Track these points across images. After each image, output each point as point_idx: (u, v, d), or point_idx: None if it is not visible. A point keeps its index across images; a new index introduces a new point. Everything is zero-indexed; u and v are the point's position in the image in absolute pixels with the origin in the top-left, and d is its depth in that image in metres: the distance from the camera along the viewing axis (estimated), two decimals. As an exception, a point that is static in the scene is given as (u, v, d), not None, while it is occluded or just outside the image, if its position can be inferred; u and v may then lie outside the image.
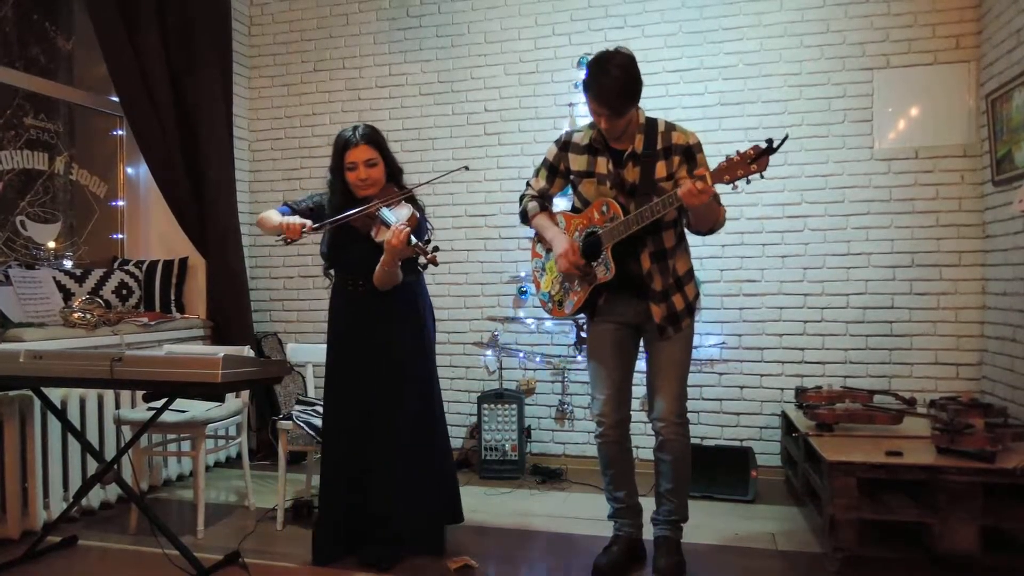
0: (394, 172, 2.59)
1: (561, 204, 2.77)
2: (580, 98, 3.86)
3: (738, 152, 2.11)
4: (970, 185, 3.41)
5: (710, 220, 2.33)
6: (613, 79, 2.20)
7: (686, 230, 2.45)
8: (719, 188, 2.18)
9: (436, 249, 2.33)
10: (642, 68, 4.08)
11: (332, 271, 2.69)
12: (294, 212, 2.56)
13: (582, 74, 3.77)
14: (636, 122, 2.34)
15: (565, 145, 2.49)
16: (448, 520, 2.73)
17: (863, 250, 3.54)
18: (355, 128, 2.49)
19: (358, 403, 2.57)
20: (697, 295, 2.49)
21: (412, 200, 2.58)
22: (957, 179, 3.43)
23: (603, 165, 2.39)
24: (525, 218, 2.61)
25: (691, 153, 2.33)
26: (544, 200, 2.59)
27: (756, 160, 2.08)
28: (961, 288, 3.43)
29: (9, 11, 3.59)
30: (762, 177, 2.12)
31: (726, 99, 3.70)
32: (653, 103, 3.71)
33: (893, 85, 3.50)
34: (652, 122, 2.36)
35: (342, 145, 2.48)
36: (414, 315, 2.64)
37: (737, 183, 2.12)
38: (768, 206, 3.63)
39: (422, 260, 2.36)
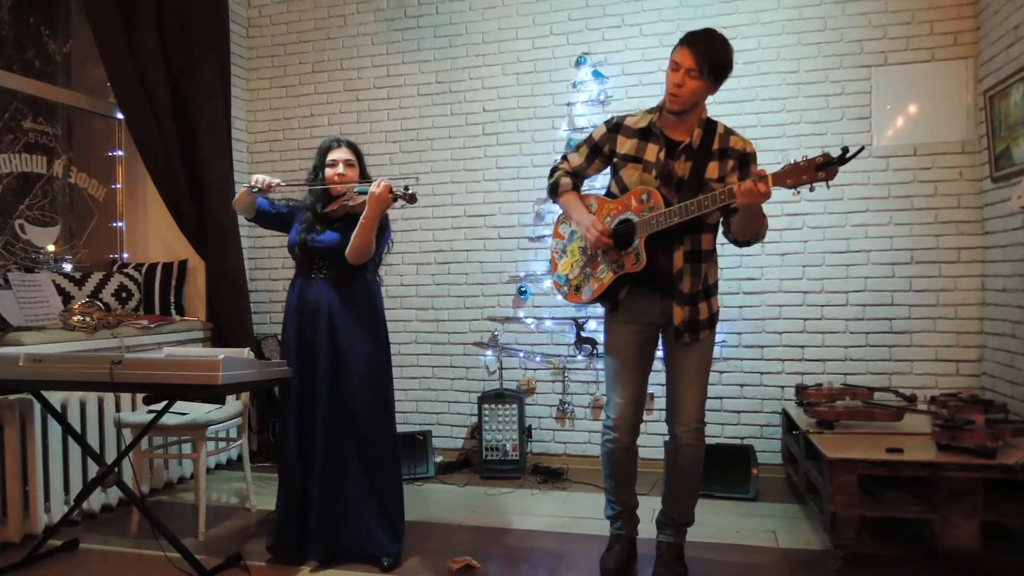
0: (366, 180, 2.74)
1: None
2: (579, 97, 3.88)
3: (805, 157, 2.01)
4: (969, 181, 3.41)
5: (753, 229, 2.23)
6: (720, 41, 2.17)
7: (723, 237, 2.36)
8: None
9: (407, 188, 2.47)
10: (640, 67, 4.08)
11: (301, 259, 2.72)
12: (270, 210, 2.76)
13: (580, 74, 3.84)
14: (699, 115, 2.28)
15: (616, 127, 2.38)
16: (388, 535, 2.63)
17: (862, 247, 3.54)
18: (337, 137, 2.77)
19: (306, 395, 2.61)
20: (719, 309, 2.42)
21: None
22: (956, 176, 3.43)
23: (653, 153, 2.29)
24: (554, 191, 2.49)
25: (746, 160, 2.25)
26: (576, 179, 2.49)
27: (825, 168, 1.94)
28: (960, 285, 3.43)
29: (6, 14, 3.59)
30: (828, 187, 2.00)
31: (724, 97, 3.68)
32: (653, 102, 3.67)
33: (891, 82, 3.50)
34: (712, 122, 2.30)
35: (326, 146, 2.74)
36: (368, 308, 2.67)
37: (799, 189, 2.01)
38: (767, 204, 3.62)
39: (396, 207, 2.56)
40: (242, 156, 4.40)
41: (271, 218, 2.76)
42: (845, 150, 1.95)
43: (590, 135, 2.46)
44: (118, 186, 4.16)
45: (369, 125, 4.23)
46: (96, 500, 3.15)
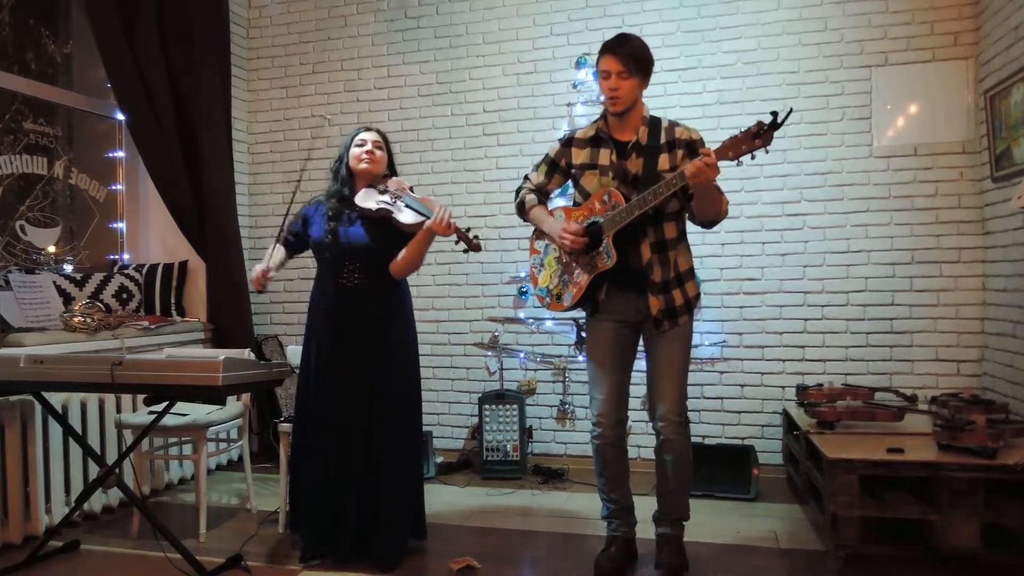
0: (393, 171, 2.72)
1: (558, 203, 2.77)
2: (579, 98, 3.88)
3: (740, 130, 2.11)
4: (969, 182, 3.41)
5: (713, 208, 2.31)
6: (636, 40, 2.34)
7: (689, 223, 2.45)
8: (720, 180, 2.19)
9: (476, 237, 2.47)
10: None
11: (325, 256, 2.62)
12: (290, 239, 2.71)
13: (580, 74, 3.84)
14: (640, 114, 2.39)
15: (568, 141, 2.52)
16: (409, 533, 2.67)
17: (863, 247, 3.54)
18: (369, 125, 2.73)
19: (338, 401, 2.56)
20: (698, 295, 2.47)
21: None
22: (956, 176, 3.43)
23: (606, 157, 2.40)
24: (522, 210, 2.61)
25: (694, 148, 2.32)
26: (540, 195, 2.60)
27: (760, 135, 2.07)
28: (961, 285, 3.43)
29: (6, 15, 3.59)
30: (766, 152, 2.11)
31: (724, 98, 3.70)
32: (652, 102, 3.65)
33: (892, 82, 3.50)
34: (656, 119, 2.40)
35: (355, 131, 2.67)
36: (404, 312, 2.65)
37: (741, 159, 2.12)
38: (767, 204, 3.63)
39: (462, 246, 2.49)
40: (243, 157, 4.40)
41: (296, 245, 2.72)
42: (775, 115, 2.05)
43: (547, 153, 2.59)
44: (118, 187, 4.16)
45: (369, 126, 4.23)
46: (97, 501, 3.15)
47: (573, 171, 2.49)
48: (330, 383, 2.57)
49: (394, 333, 2.60)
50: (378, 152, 2.61)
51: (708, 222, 2.38)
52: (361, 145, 2.60)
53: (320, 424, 2.58)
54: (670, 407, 2.38)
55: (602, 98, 3.81)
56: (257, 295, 4.36)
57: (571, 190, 2.60)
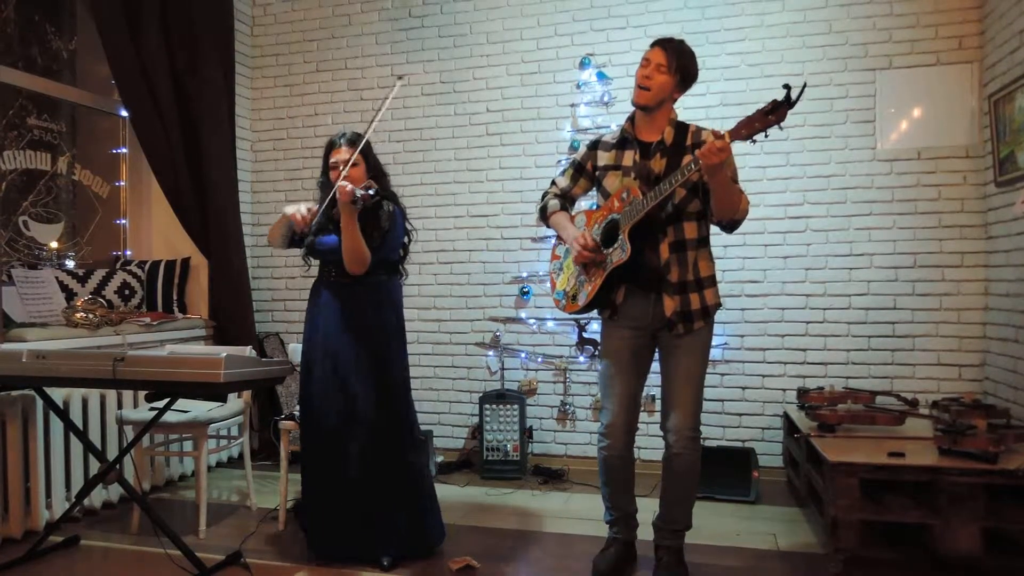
0: (378, 175, 2.68)
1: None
2: (583, 99, 3.89)
3: (757, 109, 2.05)
4: (972, 186, 3.41)
5: (732, 203, 2.25)
6: (690, 50, 2.34)
7: (711, 226, 2.40)
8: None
9: (377, 194, 2.43)
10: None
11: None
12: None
13: (584, 75, 3.85)
14: (667, 116, 2.37)
15: (595, 144, 2.52)
16: (433, 537, 2.70)
17: (865, 251, 3.54)
18: (342, 134, 2.68)
19: (333, 398, 2.57)
20: (718, 304, 2.41)
21: (393, 199, 2.69)
22: (959, 180, 3.43)
23: (630, 157, 2.39)
24: (544, 214, 2.60)
25: None
26: (565, 200, 2.58)
27: (774, 111, 2.00)
28: (963, 289, 3.42)
29: (11, 12, 3.60)
30: (780, 128, 2.05)
31: (728, 100, 3.70)
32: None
33: (896, 86, 3.50)
34: (683, 123, 2.39)
35: (328, 147, 2.69)
36: (376, 309, 2.64)
37: (756, 137, 2.06)
38: (770, 207, 3.63)
39: (362, 205, 2.41)
40: (245, 154, 4.41)
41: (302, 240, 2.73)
42: (788, 88, 1.99)
43: (574, 157, 2.58)
44: (122, 183, 4.17)
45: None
46: (97, 497, 3.16)
47: (597, 173, 2.47)
48: (319, 382, 2.59)
49: (373, 324, 2.61)
50: (352, 172, 2.57)
51: (728, 222, 2.32)
52: (334, 168, 2.61)
53: (316, 429, 2.60)
54: (684, 421, 2.35)
55: (607, 97, 3.89)
56: (259, 292, 4.37)
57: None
